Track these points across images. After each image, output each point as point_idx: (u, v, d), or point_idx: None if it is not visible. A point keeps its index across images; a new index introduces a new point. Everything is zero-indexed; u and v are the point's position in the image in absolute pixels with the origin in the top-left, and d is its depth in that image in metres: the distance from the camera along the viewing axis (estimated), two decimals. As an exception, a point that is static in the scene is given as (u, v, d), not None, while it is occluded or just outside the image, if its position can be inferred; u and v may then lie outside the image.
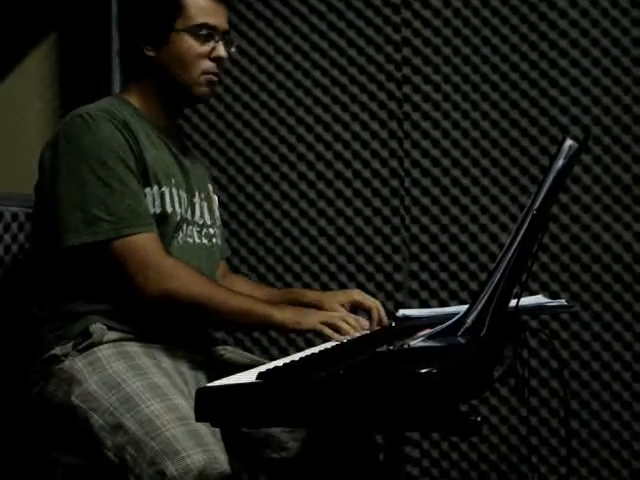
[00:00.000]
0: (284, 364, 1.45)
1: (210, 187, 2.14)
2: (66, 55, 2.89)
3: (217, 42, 1.98)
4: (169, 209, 1.94)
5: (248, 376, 1.41)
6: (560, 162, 1.57)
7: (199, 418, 1.35)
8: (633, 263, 2.67)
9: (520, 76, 2.71)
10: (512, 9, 2.71)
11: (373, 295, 2.75)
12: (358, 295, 2.04)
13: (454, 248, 2.76)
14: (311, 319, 1.82)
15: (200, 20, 1.96)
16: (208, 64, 1.97)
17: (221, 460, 1.68)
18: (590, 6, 2.67)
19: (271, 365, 1.48)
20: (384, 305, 2.75)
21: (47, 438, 1.91)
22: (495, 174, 2.74)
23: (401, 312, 2.10)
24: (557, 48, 2.69)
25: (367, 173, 2.81)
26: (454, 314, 1.65)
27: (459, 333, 1.59)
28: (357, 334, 1.81)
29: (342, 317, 1.84)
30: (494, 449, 2.75)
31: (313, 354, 1.58)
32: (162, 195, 1.93)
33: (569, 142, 1.57)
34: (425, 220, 2.78)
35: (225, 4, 2.01)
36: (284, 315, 1.83)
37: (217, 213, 2.12)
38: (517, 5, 2.71)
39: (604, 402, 2.69)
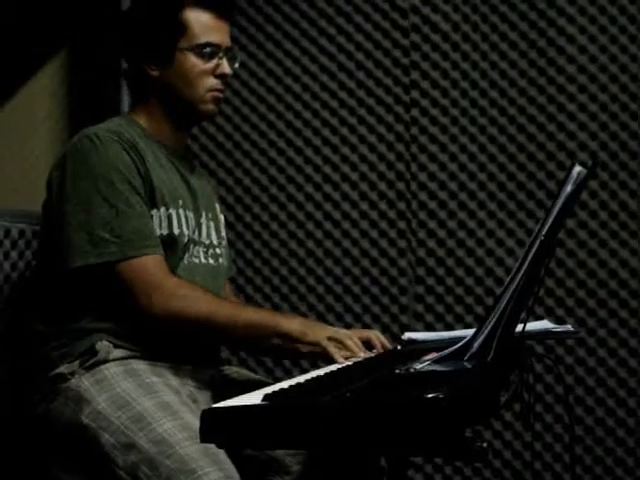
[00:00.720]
0: (290, 386, 1.45)
1: (217, 207, 2.14)
2: (75, 72, 2.91)
3: (221, 59, 1.99)
4: (176, 231, 1.94)
5: (254, 397, 1.41)
6: (568, 188, 1.57)
7: (204, 439, 1.35)
8: (639, 289, 2.67)
9: (528, 100, 2.72)
10: (520, 15, 2.72)
11: (378, 317, 2.79)
12: (357, 332, 2.03)
13: (460, 271, 2.76)
14: (318, 332, 1.82)
15: (203, 39, 1.97)
16: (213, 81, 1.98)
17: (236, 478, 1.69)
18: (598, 33, 2.68)
19: (277, 387, 1.48)
20: (389, 328, 2.78)
21: (50, 458, 1.90)
22: (502, 198, 2.74)
23: (407, 335, 2.10)
24: (565, 73, 2.70)
25: (374, 195, 2.82)
26: (460, 338, 1.64)
27: (465, 358, 1.58)
28: (361, 355, 1.80)
29: (349, 335, 1.84)
30: (497, 474, 2.73)
31: (319, 376, 1.58)
32: (169, 217, 1.94)
33: (578, 168, 1.57)
34: (431, 243, 2.78)
35: (227, 20, 2.02)
36: (291, 325, 1.83)
37: (224, 233, 2.13)
38: (525, 10, 2.72)
39: (608, 428, 2.68)
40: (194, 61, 1.97)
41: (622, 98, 2.67)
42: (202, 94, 1.98)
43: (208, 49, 1.97)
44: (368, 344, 1.93)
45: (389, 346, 2.01)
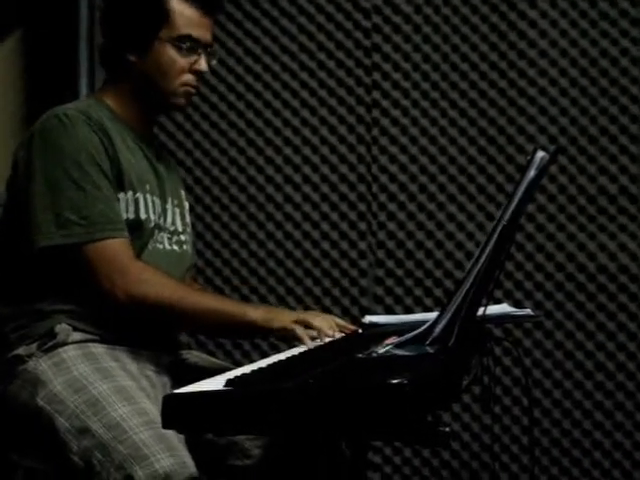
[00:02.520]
0: (252, 371, 1.44)
1: (183, 193, 2.13)
2: (31, 51, 2.86)
3: (199, 55, 1.96)
4: (143, 215, 1.92)
5: (215, 383, 1.40)
6: (531, 173, 1.58)
7: (166, 425, 1.34)
8: (597, 273, 2.69)
9: (489, 84, 2.73)
10: (482, 18, 2.73)
11: (338, 300, 2.79)
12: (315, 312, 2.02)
13: (420, 254, 2.77)
14: (284, 317, 1.82)
15: (184, 31, 1.94)
16: (188, 77, 1.96)
17: (189, 464, 1.68)
18: (559, 17, 2.69)
19: (239, 372, 1.47)
20: (349, 310, 2.78)
21: (7, 440, 1.88)
22: (462, 182, 2.75)
23: (367, 318, 2.10)
24: (526, 58, 2.71)
25: (335, 178, 2.81)
26: (421, 322, 1.64)
27: (427, 342, 1.58)
28: (330, 333, 1.80)
29: (315, 315, 1.83)
30: (456, 455, 2.76)
31: (280, 361, 1.57)
32: (136, 201, 1.92)
33: (540, 154, 1.57)
34: (391, 226, 2.78)
35: (212, 17, 1.99)
36: (256, 313, 1.83)
37: (188, 219, 2.11)
38: (487, 14, 2.73)
39: (566, 410, 2.71)
40: (172, 53, 1.94)
41: (582, 82, 2.68)
42: (175, 87, 1.95)
43: (188, 43, 1.94)
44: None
45: (347, 327, 2.00)
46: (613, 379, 2.68)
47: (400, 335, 1.63)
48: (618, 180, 2.68)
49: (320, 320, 1.82)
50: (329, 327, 1.81)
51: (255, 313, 1.82)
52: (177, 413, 1.33)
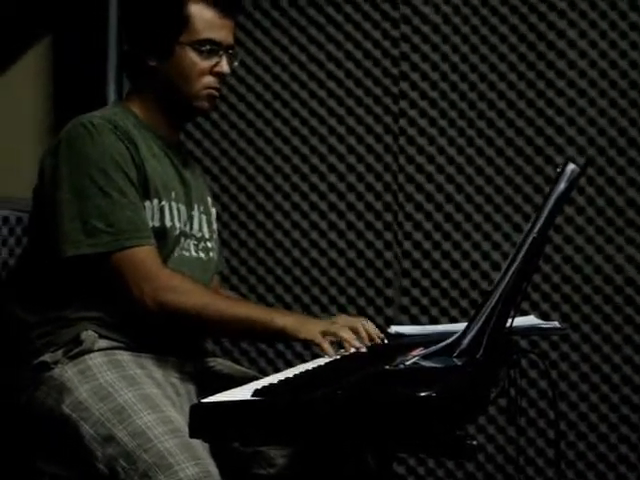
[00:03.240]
0: (279, 381, 1.44)
1: (209, 200, 2.13)
2: (59, 57, 2.88)
3: (220, 57, 1.96)
4: (168, 223, 1.92)
5: (243, 392, 1.40)
6: (561, 186, 1.57)
7: (193, 434, 1.34)
8: (624, 285, 2.67)
9: (517, 94, 2.71)
10: (510, 28, 2.72)
11: (363, 310, 2.78)
12: (342, 319, 2.00)
13: (446, 265, 2.76)
14: (311, 328, 1.79)
15: (205, 35, 1.94)
16: (210, 79, 1.96)
17: (214, 473, 1.67)
18: (588, 28, 2.68)
19: (266, 382, 1.46)
20: (374, 320, 2.75)
21: (33, 447, 1.88)
22: (489, 192, 2.74)
23: (393, 329, 2.09)
24: (555, 68, 2.69)
25: (361, 187, 2.81)
26: (448, 333, 1.64)
27: (455, 354, 1.58)
28: (356, 346, 1.78)
29: (343, 327, 1.81)
30: (480, 468, 2.74)
31: (308, 371, 1.57)
32: (162, 209, 1.92)
33: (571, 166, 1.56)
34: (418, 236, 2.77)
35: (232, 18, 1.99)
36: (285, 320, 1.81)
37: (215, 227, 2.11)
38: (516, 24, 2.71)
39: (592, 424, 2.68)
40: (193, 57, 1.94)
41: (611, 94, 2.66)
42: (197, 90, 1.95)
43: (208, 46, 1.94)
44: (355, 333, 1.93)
45: (375, 335, 1.99)
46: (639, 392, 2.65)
47: (426, 346, 1.63)
48: (647, 192, 2.66)
49: (347, 332, 1.80)
50: (355, 339, 1.80)
51: (283, 320, 1.81)
52: (204, 422, 1.32)
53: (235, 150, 2.88)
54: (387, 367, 1.48)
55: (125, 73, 2.04)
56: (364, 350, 1.81)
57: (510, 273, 1.57)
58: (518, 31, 2.71)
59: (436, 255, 2.76)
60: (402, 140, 2.78)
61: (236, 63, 2.03)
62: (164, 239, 1.91)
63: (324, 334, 1.78)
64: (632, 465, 2.66)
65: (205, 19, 1.94)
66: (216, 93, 1.97)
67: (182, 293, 1.84)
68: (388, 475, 1.62)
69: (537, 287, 2.70)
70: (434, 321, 2.74)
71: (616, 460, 2.68)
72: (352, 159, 2.81)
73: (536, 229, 1.56)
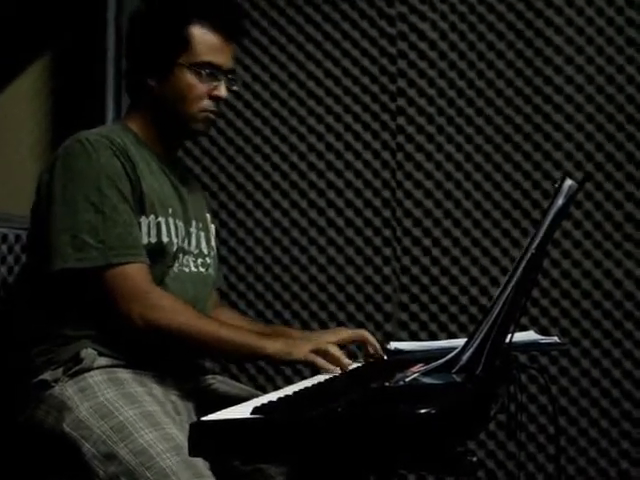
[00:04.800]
0: (279, 399, 1.44)
1: (208, 216, 2.13)
2: (58, 76, 2.88)
3: (219, 81, 1.96)
4: (165, 239, 1.92)
5: (242, 410, 1.40)
6: (559, 202, 1.57)
7: (193, 452, 1.33)
8: (624, 300, 2.67)
9: (514, 110, 2.72)
10: (508, 44, 2.73)
11: (362, 325, 2.78)
12: (346, 332, 2.01)
13: (444, 280, 2.76)
14: (302, 349, 1.81)
15: (205, 58, 1.94)
16: (207, 102, 1.96)
17: (216, 490, 1.67)
18: (585, 43, 2.69)
19: (265, 399, 1.46)
20: (373, 336, 2.76)
21: (34, 465, 1.88)
22: (487, 208, 2.74)
23: (392, 345, 2.09)
24: (552, 84, 2.70)
25: (359, 203, 2.81)
26: (447, 349, 1.63)
27: (454, 370, 1.57)
28: (346, 362, 1.79)
29: (331, 344, 1.82)
30: (481, 484, 2.74)
31: (307, 389, 1.57)
32: (158, 225, 1.92)
33: (569, 182, 1.57)
34: (416, 251, 2.77)
35: (233, 43, 1.99)
36: (275, 346, 1.81)
37: (213, 243, 2.11)
38: (513, 40, 2.73)
39: (592, 439, 2.68)
40: (192, 79, 1.94)
41: (608, 109, 2.67)
42: (194, 113, 1.95)
43: (207, 69, 1.94)
44: (360, 343, 1.94)
45: (378, 347, 2.00)
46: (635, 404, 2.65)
47: (426, 362, 1.62)
48: (645, 206, 2.67)
49: (335, 348, 1.80)
50: (343, 356, 1.81)
51: (273, 347, 1.81)
52: (204, 440, 1.32)
53: (233, 167, 2.88)
54: (387, 384, 1.48)
55: (126, 91, 2.05)
56: (363, 365, 1.81)
57: (509, 289, 1.57)
58: (515, 47, 2.72)
59: (435, 271, 2.76)
60: (400, 156, 2.79)
61: (235, 87, 2.03)
62: (161, 255, 1.91)
63: (314, 352, 1.79)
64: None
65: (206, 42, 1.94)
66: (212, 116, 1.98)
67: (170, 312, 1.83)
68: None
69: (536, 302, 2.70)
70: (433, 337, 2.74)
71: (617, 475, 2.67)
72: (350, 175, 2.82)
73: (534, 245, 1.56)
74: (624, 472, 2.66)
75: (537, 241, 1.56)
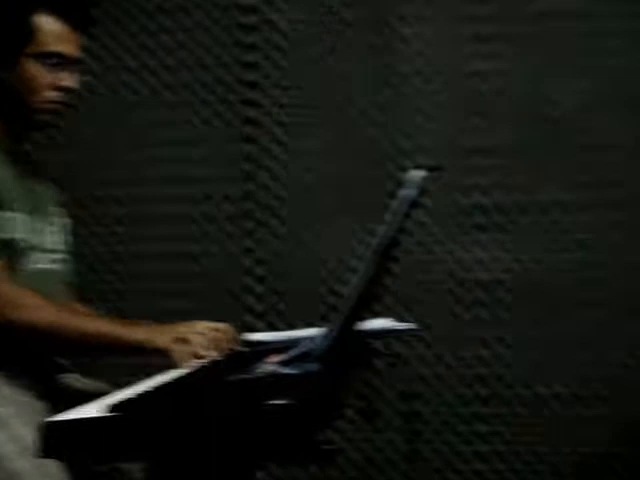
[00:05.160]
0: (134, 396, 1.41)
1: (60, 212, 2.08)
2: None
3: (67, 71, 1.92)
4: (17, 235, 1.87)
5: (93, 408, 1.37)
6: (408, 192, 1.61)
7: (45, 453, 1.30)
8: (474, 287, 2.75)
9: (369, 103, 2.76)
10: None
11: (221, 317, 2.75)
12: (206, 324, 2.00)
13: (304, 271, 2.77)
14: (164, 337, 1.78)
15: (51, 48, 1.89)
16: (54, 93, 1.91)
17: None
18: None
19: (117, 397, 1.43)
20: (232, 327, 2.75)
21: None
22: (340, 196, 2.77)
23: (250, 336, 2.09)
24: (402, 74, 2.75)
25: (214, 194, 2.80)
26: (305, 339, 1.65)
27: (312, 359, 1.58)
28: (208, 354, 1.78)
29: (198, 332, 1.80)
30: (341, 469, 2.77)
31: (163, 385, 1.55)
32: (10, 221, 1.86)
33: (416, 172, 1.60)
34: (275, 243, 2.78)
35: (80, 32, 1.95)
36: (139, 334, 1.79)
37: (66, 238, 2.06)
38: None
39: (446, 421, 2.75)
40: (38, 69, 1.89)
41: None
42: (41, 103, 1.91)
43: (54, 59, 1.90)
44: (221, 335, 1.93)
45: (234, 341, 1.99)
46: (491, 388, 2.74)
47: (283, 352, 1.63)
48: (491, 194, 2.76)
49: (198, 337, 1.79)
50: (206, 345, 1.80)
51: (137, 335, 1.79)
52: (57, 441, 1.29)
53: (86, 160, 2.82)
54: (244, 376, 1.48)
55: None
56: (222, 357, 1.80)
57: (363, 278, 1.59)
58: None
59: (293, 261, 2.77)
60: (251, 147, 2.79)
61: (83, 77, 1.99)
62: (13, 251, 1.86)
63: (176, 340, 1.77)
64: (484, 459, 2.75)
65: (53, 32, 1.90)
66: (60, 107, 1.93)
67: (33, 310, 1.79)
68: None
69: (389, 289, 2.75)
70: (292, 327, 2.75)
71: (471, 455, 2.75)
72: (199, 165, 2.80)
73: (386, 234, 1.59)
74: (478, 453, 2.75)
75: (389, 230, 1.59)
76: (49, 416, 1.82)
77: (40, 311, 1.80)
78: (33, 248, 1.92)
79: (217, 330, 1.96)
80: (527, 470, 2.73)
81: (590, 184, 2.70)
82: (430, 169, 1.62)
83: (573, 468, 2.70)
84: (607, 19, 2.68)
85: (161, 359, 2.54)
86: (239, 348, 2.03)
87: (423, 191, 1.65)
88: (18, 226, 1.88)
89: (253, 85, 2.79)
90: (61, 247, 2.02)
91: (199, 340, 1.79)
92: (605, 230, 2.71)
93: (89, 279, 2.81)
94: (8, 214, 1.86)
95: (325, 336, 1.58)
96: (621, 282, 2.69)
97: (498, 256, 2.76)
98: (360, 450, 2.77)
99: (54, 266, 1.98)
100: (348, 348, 1.62)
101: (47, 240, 1.97)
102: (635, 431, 2.66)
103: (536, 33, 2.72)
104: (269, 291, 2.78)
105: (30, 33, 1.88)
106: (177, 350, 1.77)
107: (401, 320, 2.47)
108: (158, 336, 1.79)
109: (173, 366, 1.79)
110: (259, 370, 1.52)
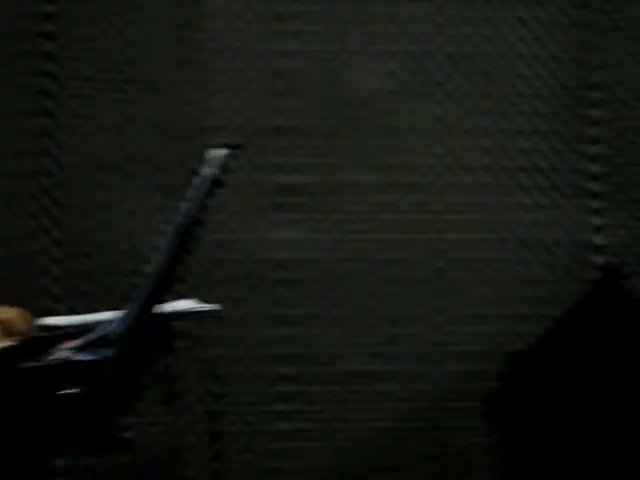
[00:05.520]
0: None
1: None
2: None
3: None
4: None
5: None
6: (210, 169, 1.58)
7: None
8: (275, 267, 2.76)
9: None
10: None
11: (12, 301, 2.63)
12: None
13: (105, 251, 2.69)
14: None
15: None
16: None
17: None
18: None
19: None
20: (27, 310, 2.63)
21: None
22: (142, 175, 2.71)
23: (45, 320, 1.99)
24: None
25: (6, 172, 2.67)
26: (103, 322, 1.59)
27: (108, 343, 1.53)
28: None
29: None
30: (144, 454, 2.70)
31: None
32: None
33: (217, 151, 1.58)
34: (72, 221, 2.68)
35: None
36: None
37: None
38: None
39: (250, 402, 2.75)
40: None
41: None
42: None
43: None
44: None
45: (25, 327, 1.89)
46: (295, 367, 2.76)
47: (80, 337, 1.57)
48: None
49: None
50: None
51: None
52: None
53: None
54: (35, 364, 1.40)
55: None
56: (11, 344, 1.71)
57: (163, 258, 1.56)
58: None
59: (94, 241, 2.68)
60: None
61: None
62: None
63: None
64: (289, 437, 2.76)
65: None
66: None
67: None
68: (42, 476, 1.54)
69: (193, 271, 2.70)
70: (92, 311, 2.66)
71: (274, 435, 2.76)
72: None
73: (188, 212, 1.56)
74: (281, 432, 2.76)
75: (189, 209, 1.56)
76: None
77: None
78: None
79: (7, 314, 1.86)
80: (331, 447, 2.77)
81: (395, 166, 2.76)
82: (231, 147, 1.60)
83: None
84: (410, 4, 2.74)
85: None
86: (34, 334, 1.93)
87: (226, 169, 1.63)
88: None
89: (50, 56, 2.67)
90: None
91: None
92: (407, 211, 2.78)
93: None
94: None
95: (122, 319, 1.53)
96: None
97: (302, 236, 2.77)
98: (162, 433, 2.72)
99: None
100: (148, 331, 1.57)
101: None
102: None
103: (343, 17, 2.75)
104: (67, 273, 2.67)
105: None
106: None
107: (203, 301, 2.45)
108: None
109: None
110: (52, 357, 1.45)
